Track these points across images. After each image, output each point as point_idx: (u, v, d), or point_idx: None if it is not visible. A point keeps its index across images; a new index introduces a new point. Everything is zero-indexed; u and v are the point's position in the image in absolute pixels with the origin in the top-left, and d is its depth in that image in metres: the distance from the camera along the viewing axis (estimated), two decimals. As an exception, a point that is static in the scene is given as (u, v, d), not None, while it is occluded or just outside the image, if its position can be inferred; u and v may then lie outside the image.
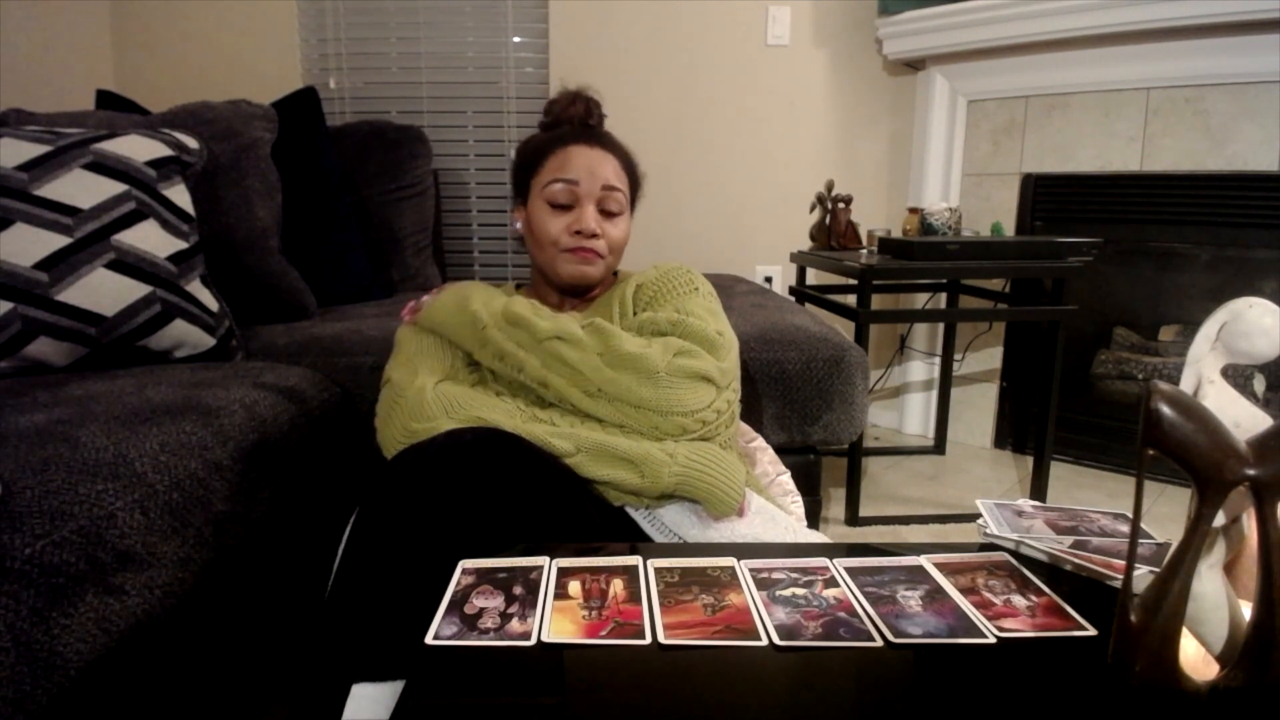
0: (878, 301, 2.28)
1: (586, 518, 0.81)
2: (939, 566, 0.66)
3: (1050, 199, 2.22)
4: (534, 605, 0.59)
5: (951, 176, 2.43)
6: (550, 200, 1.01)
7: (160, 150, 1.35)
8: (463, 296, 0.98)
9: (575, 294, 1.07)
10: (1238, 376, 1.90)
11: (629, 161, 1.07)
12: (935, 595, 0.61)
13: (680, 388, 0.87)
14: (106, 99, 1.96)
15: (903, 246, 1.85)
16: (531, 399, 0.92)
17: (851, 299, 2.10)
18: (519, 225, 1.08)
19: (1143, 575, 0.60)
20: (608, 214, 1.02)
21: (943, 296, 2.41)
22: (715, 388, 0.91)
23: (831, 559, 0.68)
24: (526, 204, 1.05)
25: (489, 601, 0.59)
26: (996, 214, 2.32)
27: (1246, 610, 0.47)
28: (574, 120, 1.06)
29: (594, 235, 1.00)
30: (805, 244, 2.31)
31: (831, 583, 0.63)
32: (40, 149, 1.23)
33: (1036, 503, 0.78)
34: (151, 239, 1.27)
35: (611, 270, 1.07)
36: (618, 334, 0.90)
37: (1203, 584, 0.48)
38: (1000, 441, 2.42)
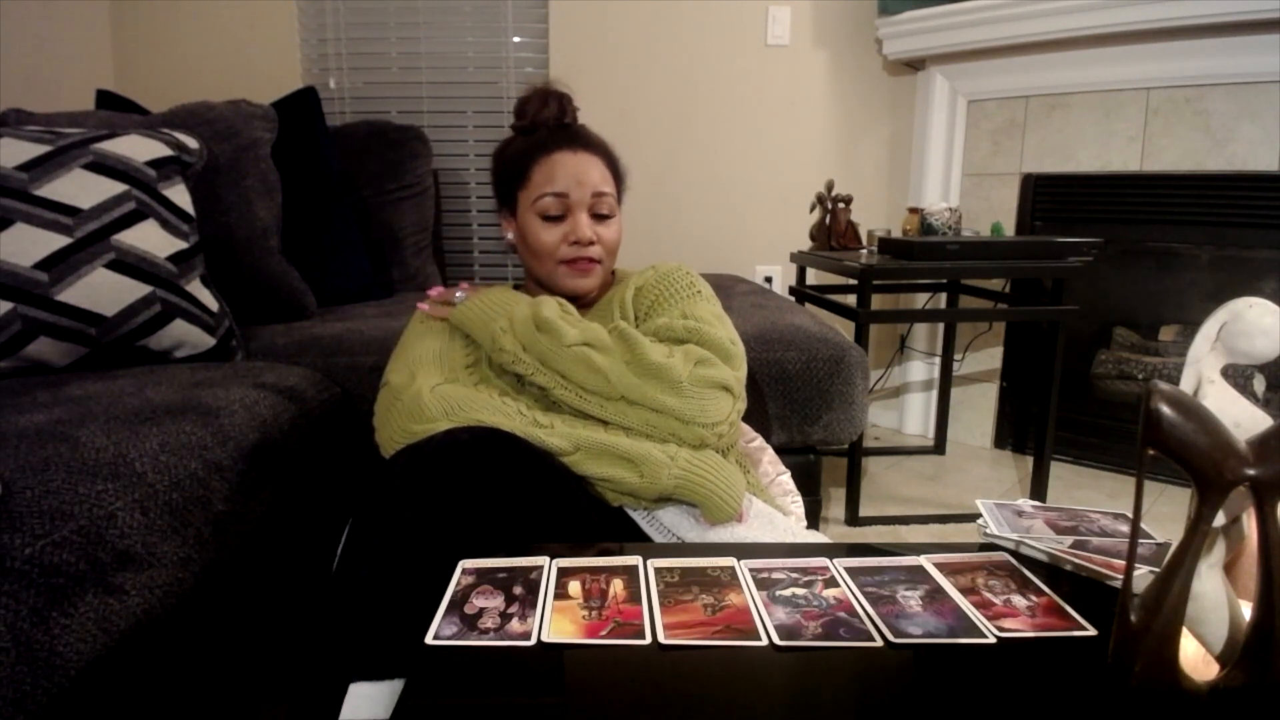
0: (878, 301, 2.27)
1: (585, 517, 0.81)
2: (939, 566, 0.66)
3: (1050, 199, 2.22)
4: (534, 605, 0.59)
5: (951, 176, 2.43)
6: (541, 213, 1.00)
7: (160, 150, 1.35)
8: (485, 316, 0.97)
9: (574, 300, 1.06)
10: (1238, 376, 1.90)
11: (612, 159, 1.05)
12: (935, 595, 0.61)
13: (703, 397, 0.88)
14: (106, 99, 1.96)
15: (903, 246, 1.85)
16: (534, 402, 0.92)
17: (851, 299, 2.10)
18: (510, 236, 1.06)
19: (1143, 575, 0.60)
20: (600, 217, 1.01)
21: (943, 296, 2.41)
22: (732, 397, 0.91)
23: (831, 559, 0.68)
24: (515, 216, 1.04)
25: (489, 601, 0.59)
26: (996, 214, 2.32)
27: (1246, 610, 0.47)
28: (549, 122, 1.03)
29: (590, 243, 1.00)
30: (805, 244, 2.31)
31: (831, 583, 0.63)
32: (40, 149, 1.23)
33: (1036, 503, 0.78)
34: (151, 239, 1.27)
35: (609, 272, 1.06)
36: (643, 341, 0.90)
37: (1203, 584, 0.48)
38: (1000, 441, 2.42)
